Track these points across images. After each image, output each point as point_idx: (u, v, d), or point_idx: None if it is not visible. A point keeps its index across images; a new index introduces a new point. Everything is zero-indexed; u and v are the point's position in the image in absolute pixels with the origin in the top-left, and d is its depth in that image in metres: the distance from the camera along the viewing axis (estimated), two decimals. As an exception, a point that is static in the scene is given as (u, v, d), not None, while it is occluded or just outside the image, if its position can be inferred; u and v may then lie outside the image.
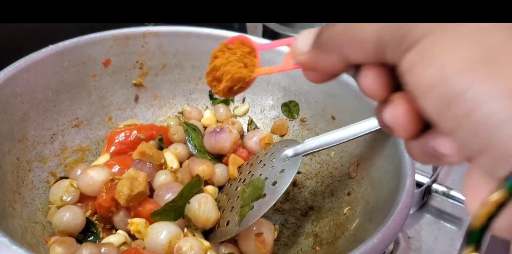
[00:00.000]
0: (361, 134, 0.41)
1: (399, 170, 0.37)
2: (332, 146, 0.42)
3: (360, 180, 0.44)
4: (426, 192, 0.56)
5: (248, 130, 0.54)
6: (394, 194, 0.36)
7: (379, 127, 0.39)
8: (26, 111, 0.42)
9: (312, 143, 0.42)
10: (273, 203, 0.39)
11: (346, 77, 0.48)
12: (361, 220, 0.41)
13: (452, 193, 0.54)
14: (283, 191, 0.39)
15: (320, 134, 0.42)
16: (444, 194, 0.55)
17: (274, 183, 0.40)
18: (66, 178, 0.43)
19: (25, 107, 0.42)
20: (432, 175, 0.57)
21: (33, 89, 0.42)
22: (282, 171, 0.41)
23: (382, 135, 0.41)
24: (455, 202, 0.54)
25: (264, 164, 0.44)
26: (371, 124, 0.41)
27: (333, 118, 0.49)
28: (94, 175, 0.41)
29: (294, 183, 0.50)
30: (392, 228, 0.32)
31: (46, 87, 0.44)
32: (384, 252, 0.50)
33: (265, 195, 0.40)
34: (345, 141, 0.41)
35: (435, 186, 0.55)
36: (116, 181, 0.41)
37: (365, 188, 0.43)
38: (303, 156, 0.42)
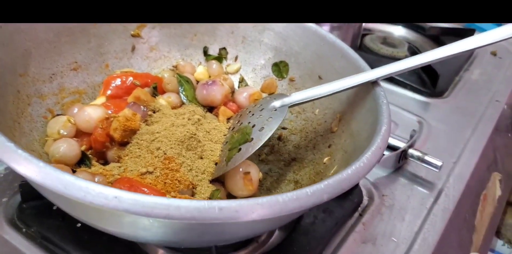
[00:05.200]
0: (343, 89, 0.43)
1: (377, 120, 0.40)
2: (316, 99, 0.44)
3: (340, 133, 0.47)
4: (402, 156, 0.59)
5: (238, 88, 0.57)
6: (370, 141, 0.39)
7: (361, 83, 0.43)
8: (27, 48, 0.43)
9: (298, 95, 0.45)
10: (260, 145, 0.41)
11: (333, 38, 0.50)
12: (338, 167, 0.44)
13: (427, 158, 0.58)
14: (269, 135, 0.42)
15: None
16: (419, 158, 0.58)
17: (261, 129, 0.43)
18: (63, 115, 0.45)
19: (27, 44, 0.43)
20: (409, 141, 0.60)
21: (35, 28, 0.44)
22: (269, 119, 0.44)
23: (363, 90, 0.44)
24: (429, 167, 0.58)
25: (253, 114, 0.47)
26: (353, 80, 0.43)
27: (320, 78, 0.51)
28: (91, 112, 0.43)
29: (279, 138, 0.53)
30: (365, 164, 0.35)
31: (48, 28, 0.45)
32: (359, 206, 0.53)
33: (252, 139, 0.43)
34: (329, 95, 0.43)
35: (410, 151, 0.59)
36: (112, 119, 0.43)
37: (345, 140, 0.45)
38: (289, 107, 0.45)
